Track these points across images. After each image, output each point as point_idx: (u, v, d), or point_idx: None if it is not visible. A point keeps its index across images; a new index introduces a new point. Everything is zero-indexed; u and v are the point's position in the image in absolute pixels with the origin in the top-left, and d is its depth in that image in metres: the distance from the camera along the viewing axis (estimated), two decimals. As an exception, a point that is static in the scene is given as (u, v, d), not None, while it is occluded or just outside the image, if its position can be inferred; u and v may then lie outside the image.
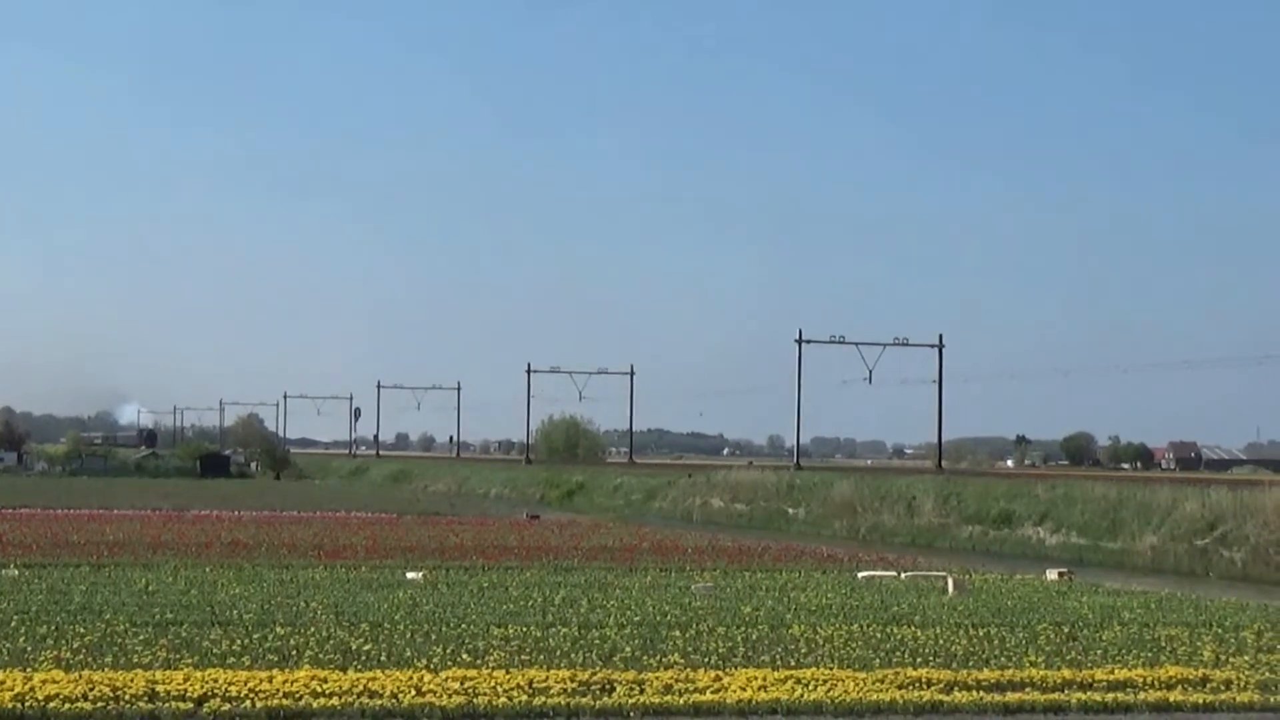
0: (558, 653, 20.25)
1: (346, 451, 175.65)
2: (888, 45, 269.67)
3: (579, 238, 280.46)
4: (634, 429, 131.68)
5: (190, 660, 18.84)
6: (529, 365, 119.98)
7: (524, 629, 22.63)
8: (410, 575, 31.20)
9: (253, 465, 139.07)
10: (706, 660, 19.83)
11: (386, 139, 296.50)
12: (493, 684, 17.33)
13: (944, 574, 33.98)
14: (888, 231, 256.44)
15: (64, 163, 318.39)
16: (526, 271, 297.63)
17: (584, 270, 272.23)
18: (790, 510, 65.84)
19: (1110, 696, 17.80)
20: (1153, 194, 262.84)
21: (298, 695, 16.51)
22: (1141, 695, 17.93)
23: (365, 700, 16.45)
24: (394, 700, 16.48)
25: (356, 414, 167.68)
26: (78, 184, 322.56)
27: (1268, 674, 19.67)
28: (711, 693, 17.30)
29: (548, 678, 17.74)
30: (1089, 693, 18.01)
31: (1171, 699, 17.82)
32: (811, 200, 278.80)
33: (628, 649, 20.71)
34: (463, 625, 22.99)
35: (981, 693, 17.75)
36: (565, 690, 17.20)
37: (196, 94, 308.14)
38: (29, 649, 19.61)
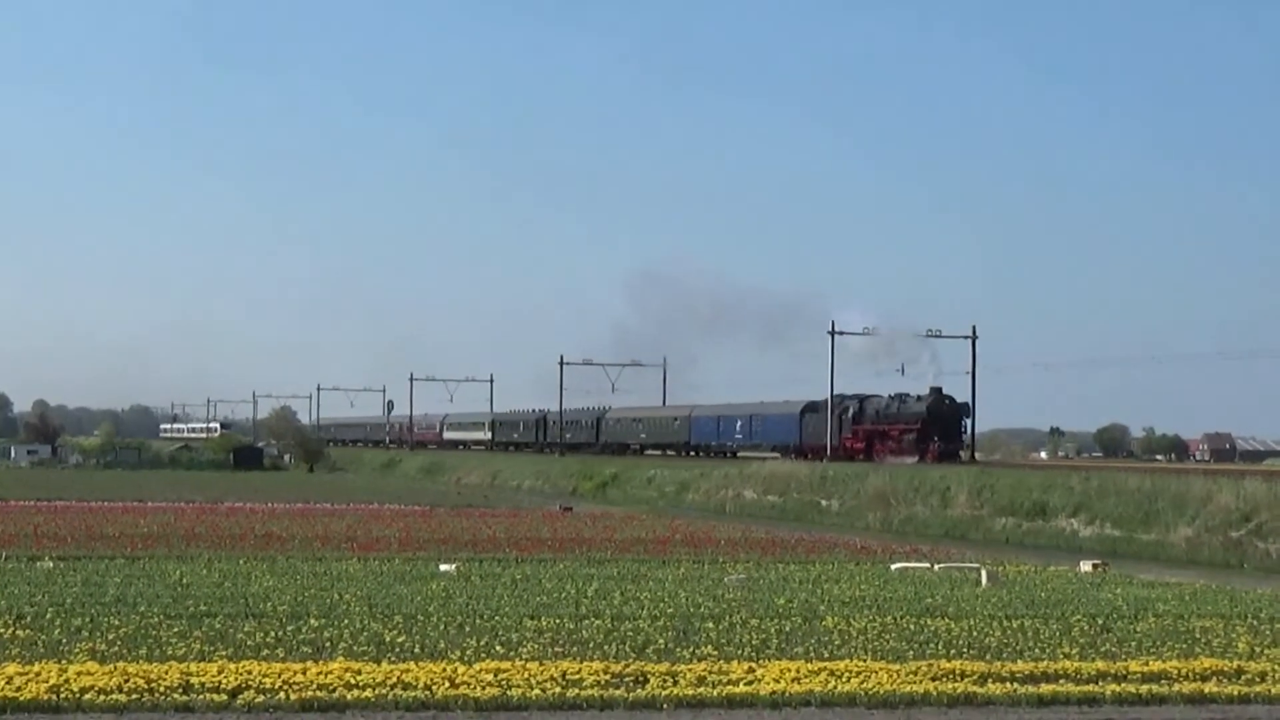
0: (591, 644, 20.26)
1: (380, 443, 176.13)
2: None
3: (608, 227, 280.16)
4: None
5: (224, 652, 18.91)
6: (561, 357, 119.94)
7: (557, 621, 22.66)
8: (443, 567, 31.24)
9: (286, 458, 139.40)
10: (740, 652, 19.83)
11: (415, 128, 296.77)
12: (526, 676, 17.35)
13: (977, 566, 33.92)
14: (917, 222, 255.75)
15: (88, 156, 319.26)
16: (558, 263, 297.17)
17: (618, 260, 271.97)
18: (823, 502, 65.72)
19: (1145, 688, 17.74)
20: (1186, 183, 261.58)
21: (331, 687, 16.56)
22: (1176, 687, 17.86)
23: (399, 692, 16.49)
24: (428, 692, 16.52)
25: (389, 406, 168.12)
26: (103, 179, 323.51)
27: (1303, 666, 19.58)
28: (745, 684, 17.29)
29: (581, 669, 17.76)
30: (1123, 684, 17.95)
31: (1206, 691, 17.75)
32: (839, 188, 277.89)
33: (661, 641, 20.72)
34: (496, 617, 23.03)
35: (1015, 684, 17.71)
36: (598, 682, 17.21)
37: (220, 83, 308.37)
38: (64, 641, 19.71)
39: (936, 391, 78.81)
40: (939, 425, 77.75)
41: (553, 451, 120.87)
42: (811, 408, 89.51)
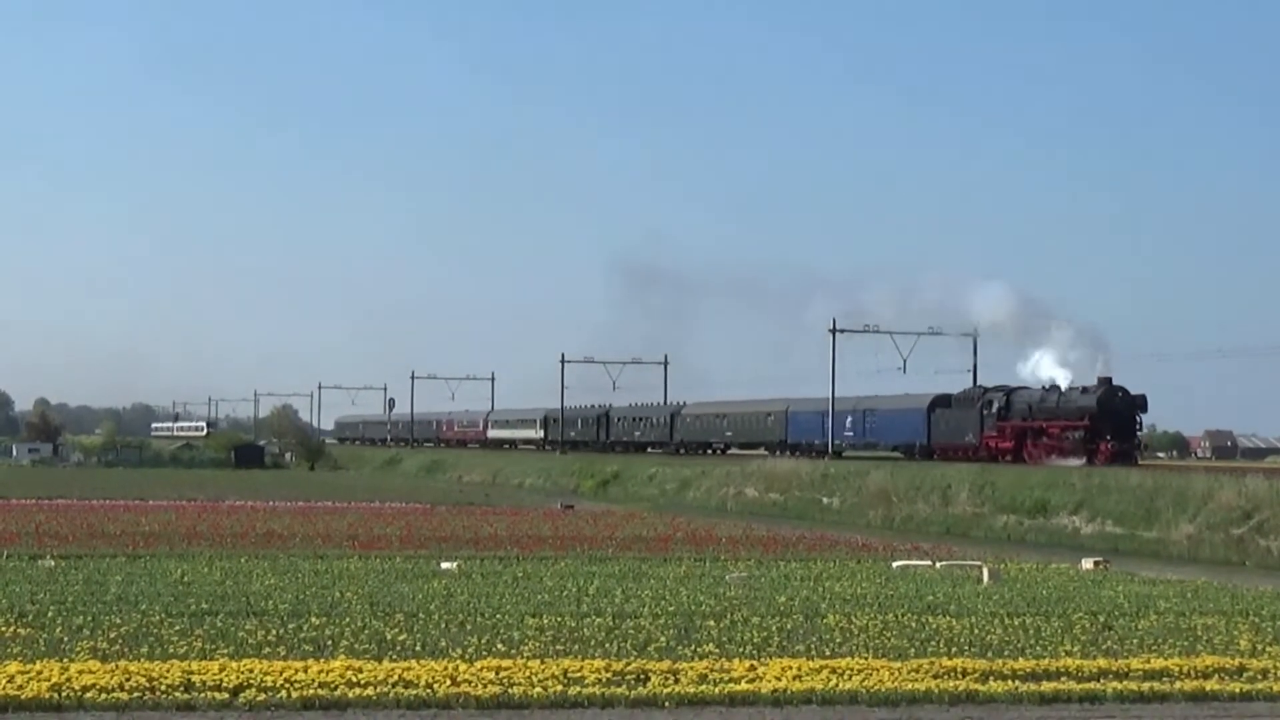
0: (592, 643, 20.26)
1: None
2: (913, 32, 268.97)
3: (609, 227, 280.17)
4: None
5: (226, 650, 18.91)
6: (562, 355, 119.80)
7: (558, 619, 22.66)
8: (445, 565, 31.25)
9: (287, 456, 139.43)
10: (741, 650, 19.83)
11: (419, 127, 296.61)
12: (527, 674, 17.36)
13: (979, 563, 33.91)
14: (923, 218, 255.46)
15: (90, 154, 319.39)
16: (561, 260, 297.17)
17: (620, 259, 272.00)
18: (825, 500, 65.71)
19: (1146, 686, 17.74)
20: (1190, 182, 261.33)
21: (333, 685, 16.56)
22: (1178, 684, 17.87)
23: (400, 690, 16.50)
24: (429, 690, 16.52)
25: (390, 404, 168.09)
26: (109, 176, 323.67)
27: (1305, 663, 19.57)
28: (746, 682, 17.30)
29: (582, 667, 17.76)
30: (1125, 682, 17.95)
31: (1208, 688, 17.75)
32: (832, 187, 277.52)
33: (662, 639, 20.72)
34: (497, 615, 23.03)
35: (1017, 682, 17.71)
36: (600, 680, 17.22)
37: (219, 83, 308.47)
38: (65, 639, 19.72)
39: (1106, 382, 67.90)
40: (1111, 421, 66.95)
41: (617, 451, 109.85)
42: (943, 401, 78.57)
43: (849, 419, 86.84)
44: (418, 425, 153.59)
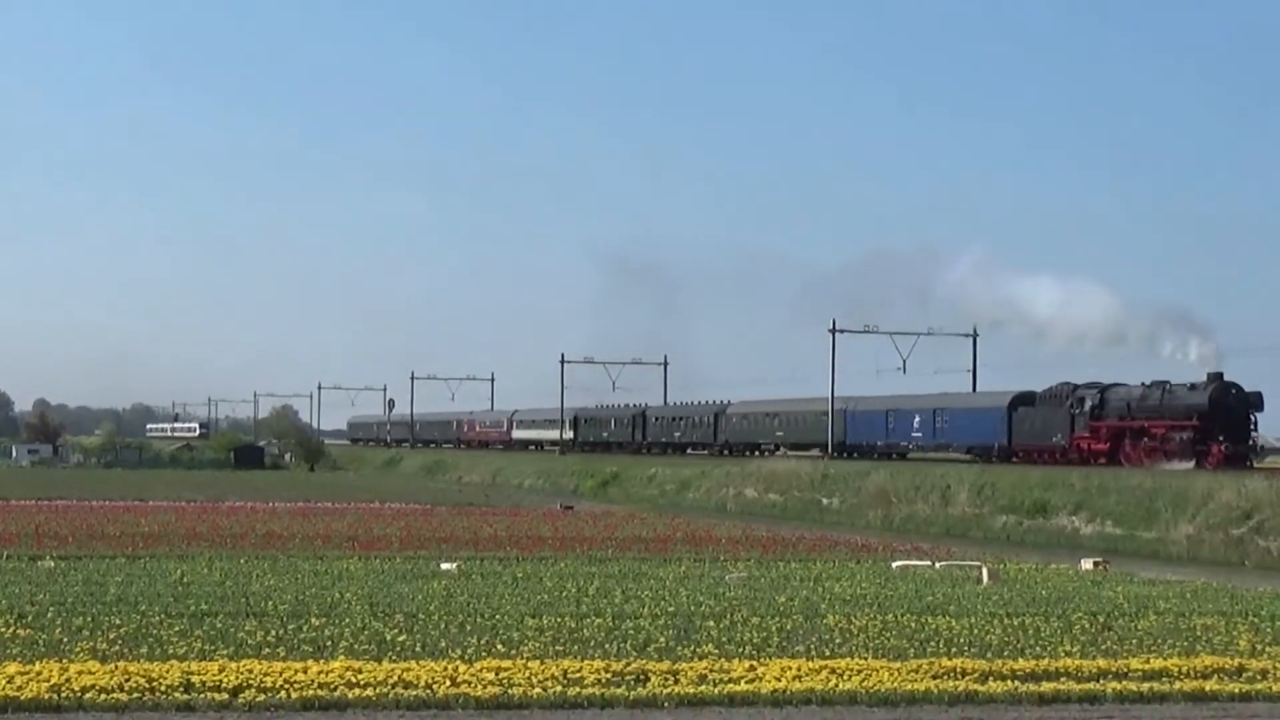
0: (592, 643, 20.26)
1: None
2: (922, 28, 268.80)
3: (608, 227, 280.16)
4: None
5: (225, 651, 18.92)
6: (562, 355, 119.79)
7: (558, 619, 22.66)
8: (445, 566, 31.25)
9: (287, 457, 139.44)
10: (741, 650, 19.83)
11: (418, 129, 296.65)
12: (527, 674, 17.36)
13: (978, 563, 33.91)
14: (925, 218, 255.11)
15: (90, 154, 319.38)
16: (561, 260, 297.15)
17: (618, 258, 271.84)
18: (824, 500, 65.74)
19: (1146, 686, 17.74)
20: (1182, 180, 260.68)
21: (333, 686, 16.57)
22: (1177, 685, 17.87)
23: (400, 691, 16.50)
24: (429, 691, 16.53)
25: (390, 405, 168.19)
26: (108, 177, 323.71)
27: (1305, 663, 19.57)
28: (746, 683, 17.30)
29: (582, 668, 17.76)
30: (1124, 682, 17.95)
31: (1207, 688, 17.75)
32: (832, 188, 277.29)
33: (662, 639, 20.73)
34: (497, 616, 23.04)
35: (1016, 682, 17.71)
36: (600, 680, 17.22)
37: (218, 84, 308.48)
38: (65, 640, 19.72)
39: (1217, 378, 62.52)
40: (1224, 421, 61.22)
41: (653, 452, 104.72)
42: (1025, 399, 72.31)
43: (917, 418, 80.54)
44: (437, 426, 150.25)
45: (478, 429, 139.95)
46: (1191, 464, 59.84)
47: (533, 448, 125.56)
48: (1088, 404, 66.99)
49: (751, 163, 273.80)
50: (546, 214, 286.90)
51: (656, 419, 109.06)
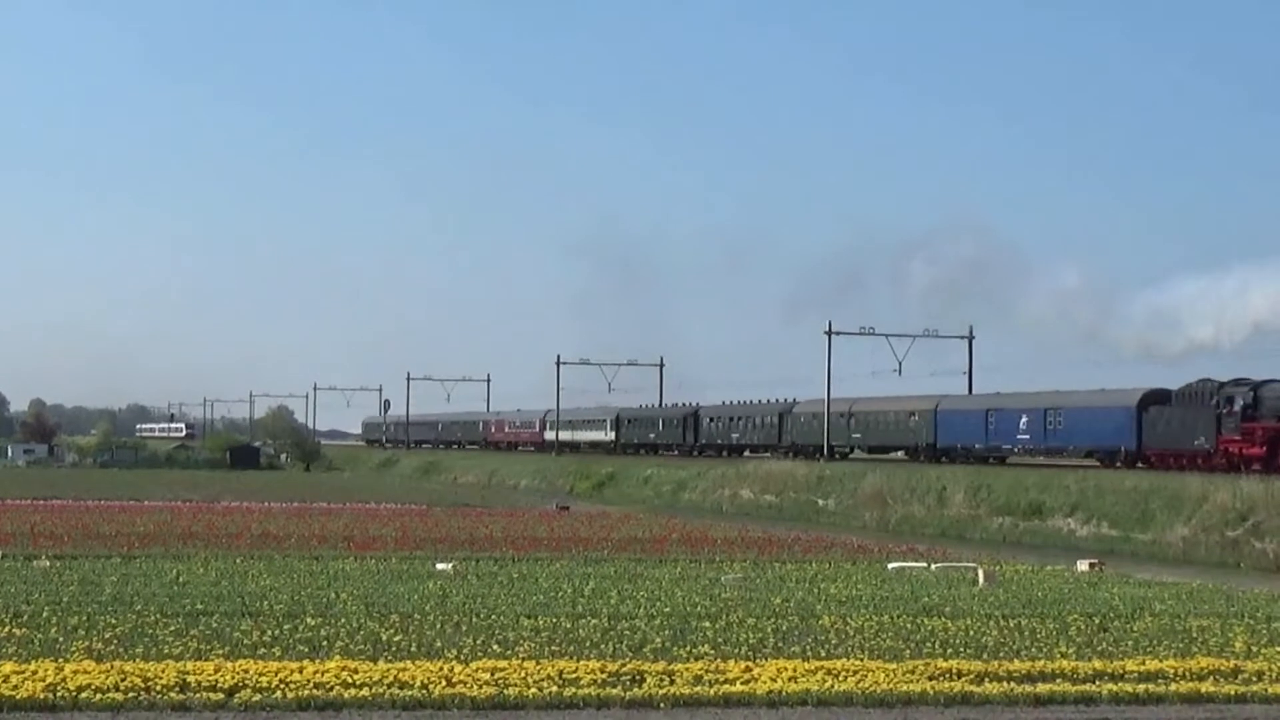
0: (588, 644, 20.26)
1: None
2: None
3: (606, 227, 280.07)
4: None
5: (221, 651, 18.90)
6: (558, 357, 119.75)
7: (554, 620, 22.65)
8: (440, 566, 31.24)
9: (282, 457, 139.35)
10: (736, 651, 19.82)
11: (413, 130, 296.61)
12: (523, 675, 17.35)
13: (974, 565, 33.91)
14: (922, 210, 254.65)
15: (89, 156, 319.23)
16: (555, 262, 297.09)
17: (612, 260, 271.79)
18: (820, 501, 65.79)
19: (1142, 688, 17.74)
20: (1183, 188, 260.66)
21: (328, 686, 16.55)
22: (1173, 686, 17.86)
23: (396, 691, 16.49)
24: (424, 691, 16.51)
25: (386, 405, 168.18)
26: (107, 178, 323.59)
27: (1300, 665, 19.57)
28: (741, 684, 17.29)
29: (578, 669, 17.75)
30: (1120, 684, 17.95)
31: (1203, 690, 17.74)
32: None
33: (658, 640, 20.72)
34: (493, 616, 23.02)
35: (1012, 684, 17.71)
36: (595, 681, 17.21)
37: (217, 85, 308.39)
38: (61, 640, 19.70)
39: None
40: None
41: (706, 455, 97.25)
42: (1158, 397, 65.25)
43: (1023, 418, 73.35)
44: (461, 426, 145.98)
45: (507, 430, 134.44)
46: None
47: (569, 450, 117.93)
48: (1238, 403, 59.85)
49: (745, 156, 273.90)
50: (546, 215, 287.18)
51: (711, 419, 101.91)
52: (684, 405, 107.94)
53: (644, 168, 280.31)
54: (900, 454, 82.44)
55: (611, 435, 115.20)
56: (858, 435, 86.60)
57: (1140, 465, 63.83)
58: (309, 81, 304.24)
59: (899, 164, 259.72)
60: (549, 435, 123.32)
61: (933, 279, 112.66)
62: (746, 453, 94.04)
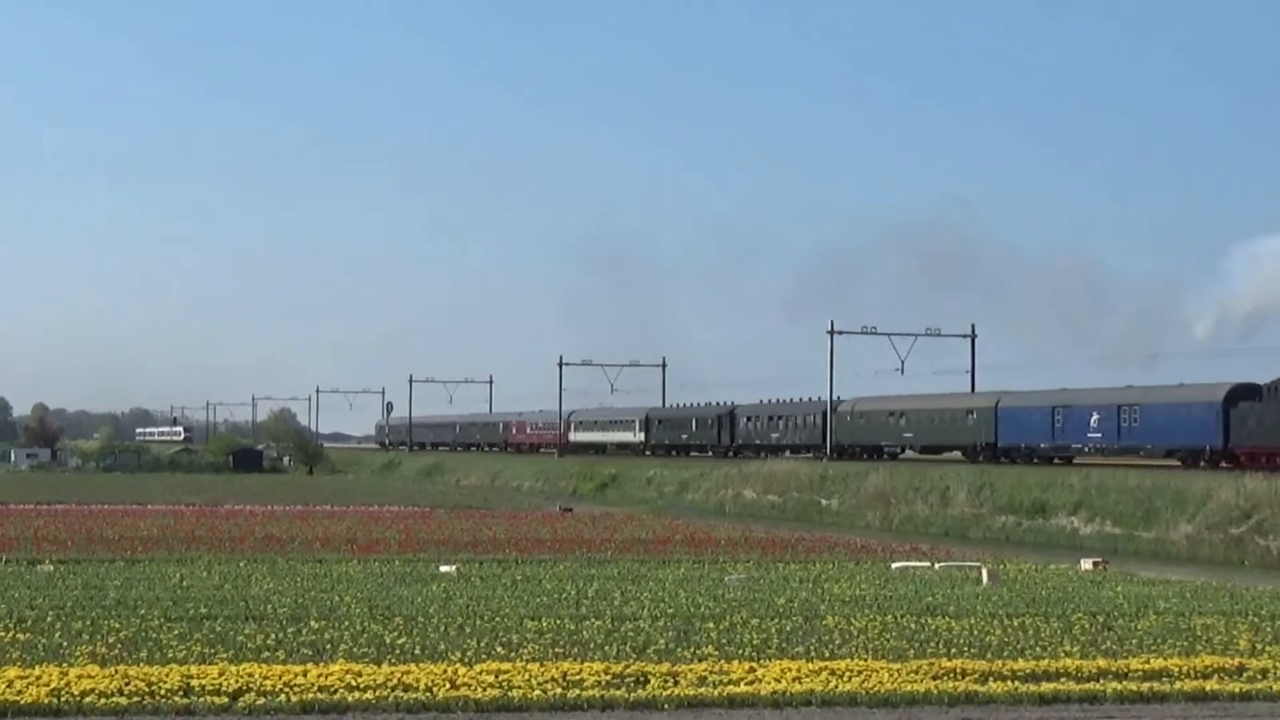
0: (591, 645, 20.25)
1: (373, 446, 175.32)
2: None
3: (605, 226, 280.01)
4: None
5: (225, 655, 18.90)
6: (561, 358, 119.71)
7: (557, 622, 22.65)
8: (444, 569, 31.24)
9: (285, 460, 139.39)
10: (740, 652, 19.82)
11: (413, 130, 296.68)
12: (527, 677, 17.35)
13: (978, 564, 33.90)
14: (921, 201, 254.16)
15: (89, 158, 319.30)
16: (556, 263, 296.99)
17: (611, 260, 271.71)
18: (823, 501, 65.76)
19: (1146, 686, 17.73)
20: (1188, 187, 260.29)
21: (332, 689, 16.55)
22: (1177, 684, 17.85)
23: (400, 694, 16.49)
24: (429, 693, 16.51)
25: (389, 408, 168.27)
26: (107, 179, 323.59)
27: (1305, 663, 19.56)
28: (745, 684, 17.29)
29: (581, 670, 17.75)
30: (1124, 682, 17.94)
31: (1208, 688, 17.74)
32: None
33: (661, 641, 20.72)
34: (496, 618, 23.02)
35: (1016, 683, 17.70)
36: (599, 683, 17.21)
37: (218, 86, 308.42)
38: (65, 644, 19.70)
39: None
40: None
41: (744, 456, 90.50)
42: (1247, 392, 60.74)
43: (1095, 416, 68.43)
44: (480, 428, 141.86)
45: (529, 431, 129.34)
46: None
47: (595, 452, 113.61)
48: None
49: (744, 153, 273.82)
50: (545, 214, 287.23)
51: (749, 419, 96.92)
52: (719, 404, 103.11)
53: (642, 166, 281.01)
54: (957, 454, 78.34)
55: (641, 436, 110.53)
56: (909, 435, 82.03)
57: (1226, 465, 59.69)
58: (309, 81, 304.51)
59: (898, 162, 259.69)
60: (574, 436, 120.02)
61: (931, 277, 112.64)
62: (787, 454, 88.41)
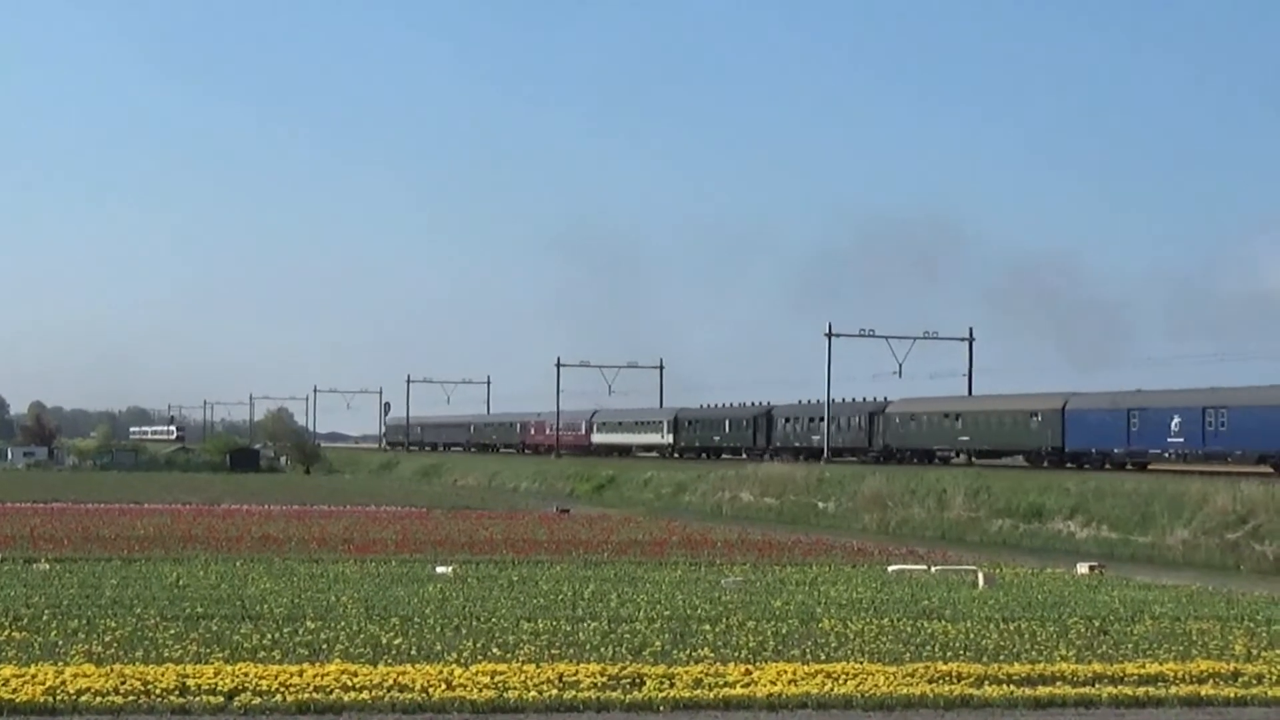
0: (587, 647, 20.26)
1: (376, 446, 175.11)
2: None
3: (601, 226, 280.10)
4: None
5: (221, 654, 18.90)
6: (558, 359, 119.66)
7: (554, 623, 22.65)
8: (440, 569, 31.24)
9: (282, 460, 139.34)
10: (736, 654, 19.82)
11: (412, 130, 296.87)
12: (523, 678, 17.35)
13: (974, 568, 33.91)
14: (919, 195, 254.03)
15: (89, 157, 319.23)
16: (553, 263, 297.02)
17: (612, 263, 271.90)
18: (820, 504, 65.76)
19: (1141, 691, 17.75)
20: (1173, 191, 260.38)
21: (328, 689, 16.55)
22: (1173, 689, 17.87)
23: (395, 694, 16.49)
24: (424, 694, 16.52)
25: (386, 408, 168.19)
26: (106, 179, 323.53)
27: (1300, 668, 19.57)
28: (741, 687, 17.30)
29: (578, 672, 17.75)
30: (1120, 687, 17.95)
31: (1203, 693, 17.75)
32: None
33: (657, 643, 20.72)
34: (493, 619, 23.02)
35: (1012, 687, 17.72)
36: (595, 684, 17.21)
37: (219, 87, 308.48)
38: (60, 643, 19.70)
39: None
40: None
41: (781, 459, 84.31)
42: None
43: (1176, 419, 63.81)
44: (494, 429, 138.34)
45: (547, 431, 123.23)
46: None
47: (618, 454, 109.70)
48: None
49: (740, 152, 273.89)
50: (546, 215, 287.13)
51: (788, 420, 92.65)
52: (755, 405, 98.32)
53: (636, 167, 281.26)
54: (1019, 459, 73.95)
55: (669, 438, 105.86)
56: (965, 438, 77.05)
57: None
58: (308, 81, 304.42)
59: (896, 161, 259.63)
60: (596, 438, 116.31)
61: (929, 279, 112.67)
62: (830, 457, 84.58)
